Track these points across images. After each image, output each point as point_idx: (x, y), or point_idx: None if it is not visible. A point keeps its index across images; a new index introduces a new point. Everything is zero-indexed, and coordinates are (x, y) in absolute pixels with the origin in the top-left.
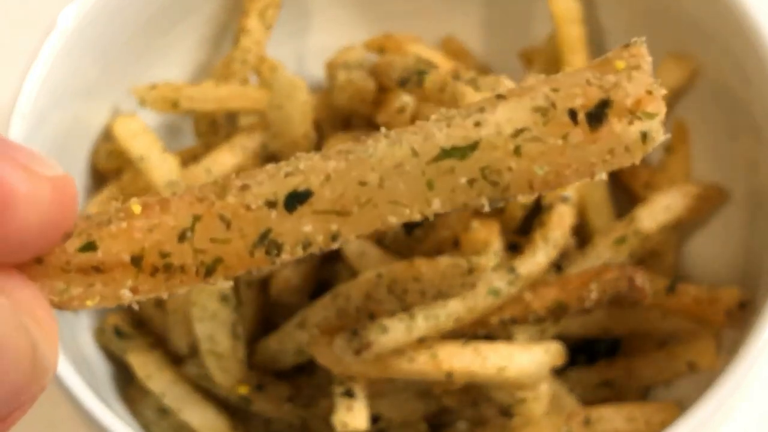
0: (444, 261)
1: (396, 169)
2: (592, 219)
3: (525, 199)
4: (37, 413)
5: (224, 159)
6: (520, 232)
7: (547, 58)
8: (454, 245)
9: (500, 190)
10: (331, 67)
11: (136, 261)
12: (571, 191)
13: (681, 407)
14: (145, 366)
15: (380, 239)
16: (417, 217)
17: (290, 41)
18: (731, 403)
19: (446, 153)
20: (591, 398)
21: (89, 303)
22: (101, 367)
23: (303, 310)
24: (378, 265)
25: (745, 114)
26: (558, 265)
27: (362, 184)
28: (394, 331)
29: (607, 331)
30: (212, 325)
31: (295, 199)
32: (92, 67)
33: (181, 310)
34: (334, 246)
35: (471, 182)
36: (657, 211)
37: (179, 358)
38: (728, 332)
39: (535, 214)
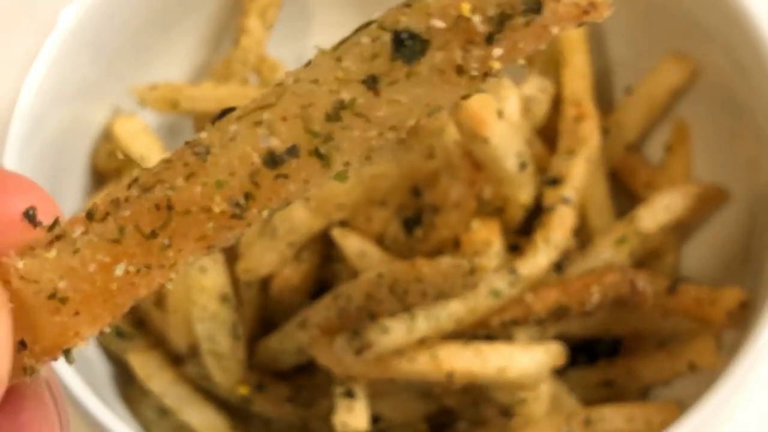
0: (445, 262)
1: (307, 67)
2: (592, 219)
3: (523, 199)
4: None
5: None
6: (521, 233)
7: (547, 58)
8: (455, 245)
9: (401, 28)
10: None
11: (89, 213)
12: (571, 192)
13: (681, 407)
14: (146, 366)
15: (380, 239)
16: (333, 83)
17: (290, 41)
18: (732, 404)
19: (348, 36)
20: (591, 398)
21: (47, 255)
22: (101, 367)
23: (303, 310)
24: (378, 265)
25: (745, 114)
26: (558, 265)
27: (278, 84)
28: (395, 332)
29: (607, 331)
30: (213, 325)
31: (219, 115)
32: (92, 67)
33: (182, 310)
34: (263, 132)
35: (374, 39)
36: (657, 211)
37: (179, 358)
38: (729, 332)
39: (536, 215)
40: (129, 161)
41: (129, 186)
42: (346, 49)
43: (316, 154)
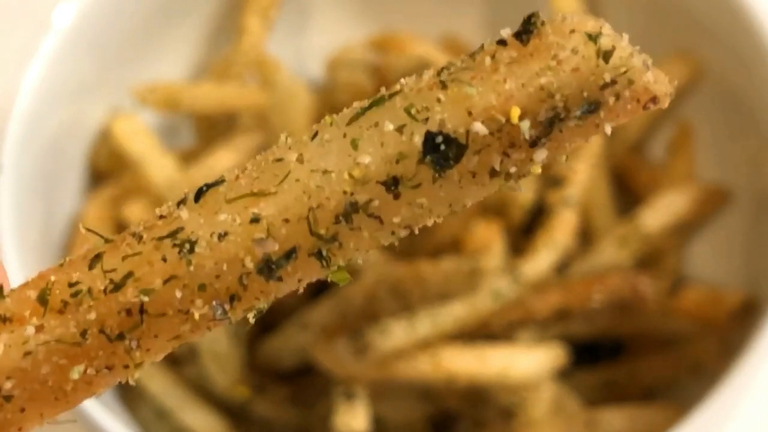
0: (447, 263)
1: (314, 141)
2: (594, 219)
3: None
4: None
5: (224, 159)
6: (523, 234)
7: None
8: (455, 246)
9: (435, 125)
10: (332, 67)
11: (42, 297)
12: (573, 193)
13: (684, 409)
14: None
15: None
16: (347, 182)
17: (290, 41)
18: (734, 405)
19: (364, 109)
20: (593, 399)
21: None
22: None
23: (304, 311)
24: (378, 265)
25: (749, 115)
26: (560, 266)
27: (278, 160)
28: (396, 333)
29: (609, 333)
30: None
31: (204, 188)
32: (90, 67)
33: None
34: (260, 235)
35: (400, 129)
36: (660, 212)
37: (178, 360)
38: (732, 333)
39: (538, 216)
40: (128, 161)
41: (91, 264)
42: (363, 131)
43: (317, 255)
